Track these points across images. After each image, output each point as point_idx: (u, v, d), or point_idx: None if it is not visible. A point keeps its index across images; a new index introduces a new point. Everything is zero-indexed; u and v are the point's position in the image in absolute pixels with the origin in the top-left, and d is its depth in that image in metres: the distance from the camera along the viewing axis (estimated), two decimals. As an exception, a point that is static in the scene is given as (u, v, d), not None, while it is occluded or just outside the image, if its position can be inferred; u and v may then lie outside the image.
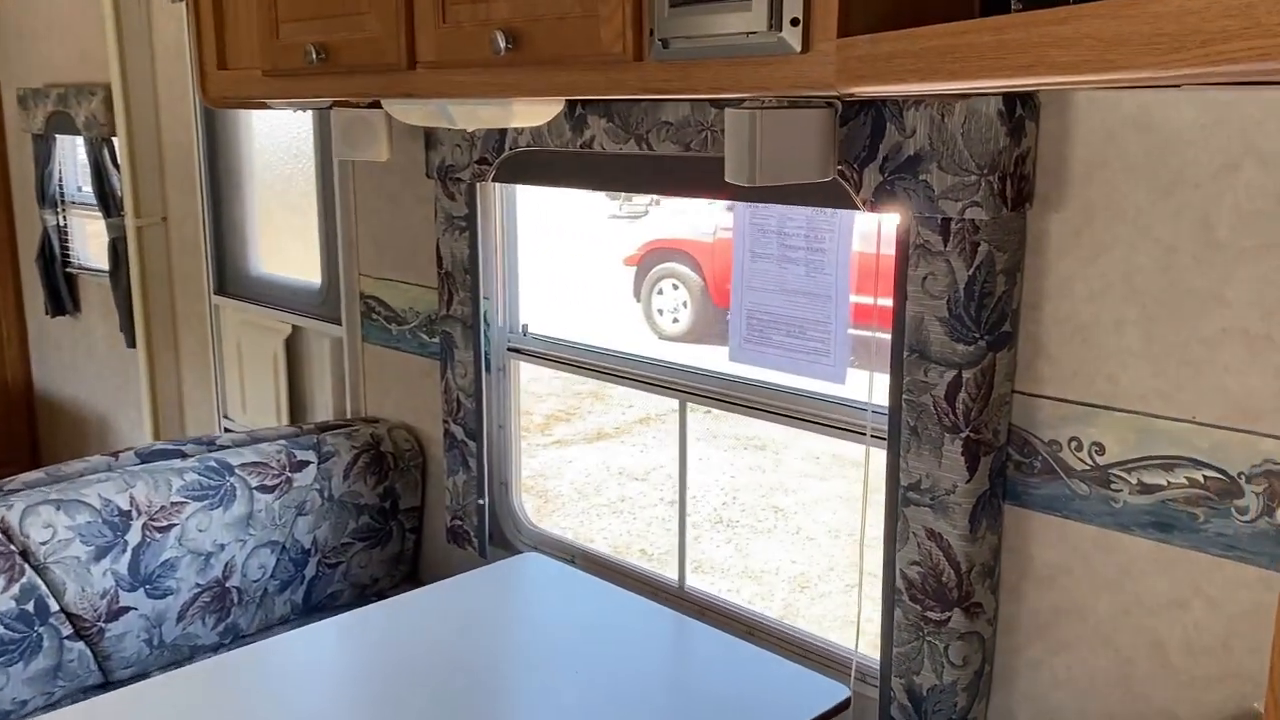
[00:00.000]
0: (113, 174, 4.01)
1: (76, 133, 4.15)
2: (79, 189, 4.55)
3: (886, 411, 1.90)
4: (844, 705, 1.91)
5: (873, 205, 1.81)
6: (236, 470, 2.65)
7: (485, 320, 2.67)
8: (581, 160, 2.30)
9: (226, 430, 3.78)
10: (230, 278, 3.69)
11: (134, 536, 2.46)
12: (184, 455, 2.70)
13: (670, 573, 2.52)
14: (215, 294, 3.71)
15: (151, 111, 3.84)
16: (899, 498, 1.88)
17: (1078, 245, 1.70)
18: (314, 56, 2.15)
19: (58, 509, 2.36)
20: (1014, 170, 1.67)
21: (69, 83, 4.13)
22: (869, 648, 2.09)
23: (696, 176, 2.09)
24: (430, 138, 2.62)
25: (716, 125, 2.00)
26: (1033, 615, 1.85)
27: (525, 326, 2.73)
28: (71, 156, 4.50)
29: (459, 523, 2.80)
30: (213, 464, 2.63)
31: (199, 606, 2.61)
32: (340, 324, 3.19)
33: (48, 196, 4.45)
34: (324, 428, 2.98)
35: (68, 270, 4.57)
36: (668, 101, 2.06)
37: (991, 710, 1.91)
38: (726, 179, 1.74)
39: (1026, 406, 1.79)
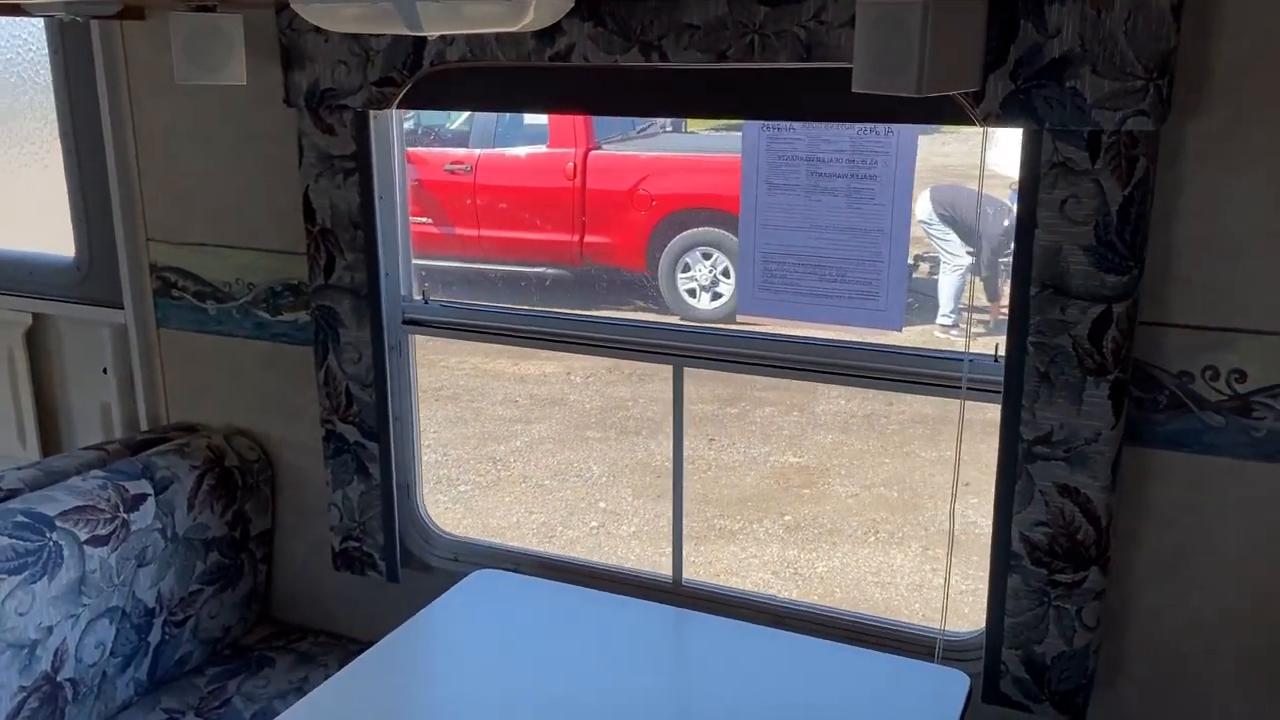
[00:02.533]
0: None
1: None
2: None
3: (996, 359, 1.68)
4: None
5: (998, 119, 1.55)
6: (57, 523, 1.91)
7: (385, 289, 2.10)
8: (553, 77, 1.82)
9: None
10: (-92, 256, 2.70)
11: (-67, 643, 1.69)
12: (-38, 512, 1.90)
13: (651, 566, 2.16)
14: (-116, 280, 2.71)
15: None
16: (1020, 454, 1.66)
17: (1220, 156, 1.55)
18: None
19: None
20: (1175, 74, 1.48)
21: None
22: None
23: (737, 93, 1.71)
24: (293, 53, 1.98)
25: (768, 28, 1.63)
26: (1150, 558, 1.72)
27: (426, 291, 2.20)
28: None
29: (354, 544, 2.24)
30: (22, 519, 1.87)
31: (24, 718, 1.86)
32: (121, 307, 2.42)
33: None
34: (137, 445, 2.25)
35: None
36: None
37: (1097, 664, 1.78)
38: (861, 88, 1.39)
39: (1152, 338, 1.63)
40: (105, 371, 2.48)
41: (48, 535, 1.88)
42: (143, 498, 2.07)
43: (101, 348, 2.48)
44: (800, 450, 6.59)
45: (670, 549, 2.13)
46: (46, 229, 2.52)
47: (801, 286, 1.86)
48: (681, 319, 8.11)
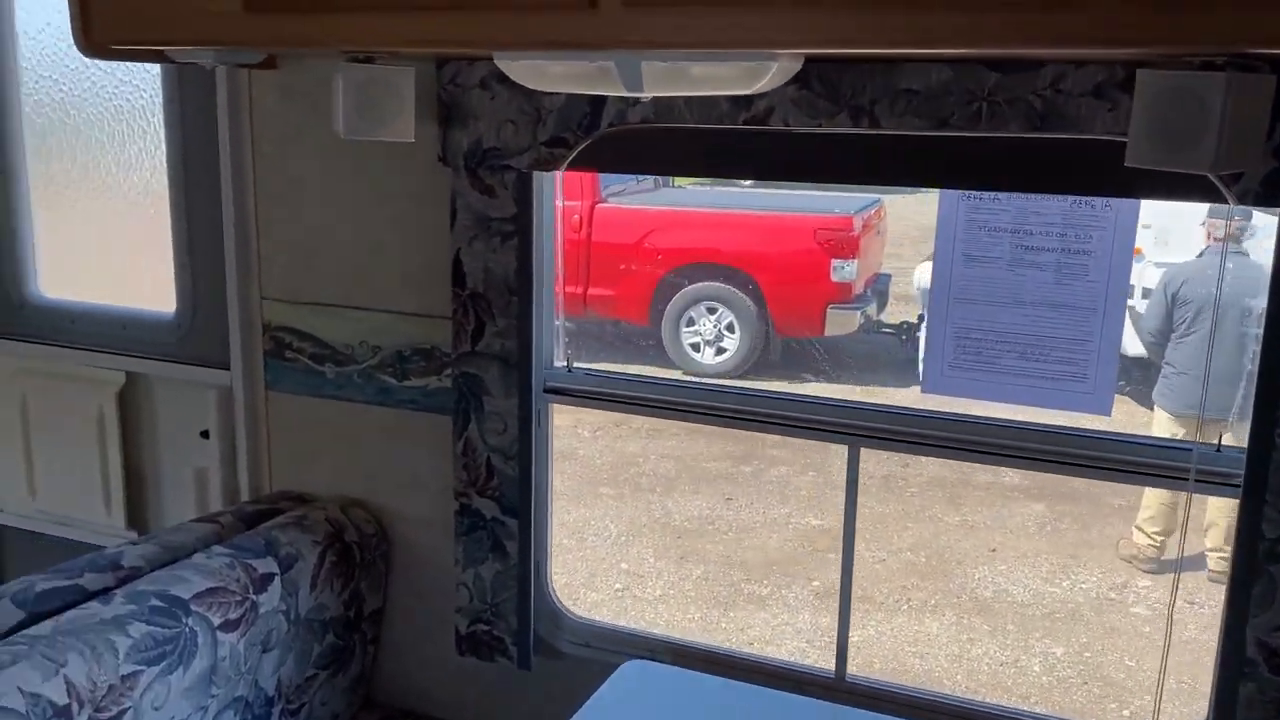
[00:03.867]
0: None
1: None
2: None
3: (1219, 449, 1.58)
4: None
5: (1257, 198, 1.46)
6: (192, 607, 1.76)
7: (537, 357, 1.98)
8: (743, 141, 1.73)
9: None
10: (-12, 308, 2.56)
11: (75, 745, 1.53)
12: (86, 592, 1.75)
13: (812, 659, 2.03)
14: (-39, 332, 2.56)
15: None
16: (1261, 553, 1.56)
17: None
18: (390, -20, 1.39)
19: (-37, 731, 1.39)
20: None
21: None
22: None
23: (952, 161, 1.62)
24: (454, 109, 1.88)
25: (998, 95, 1.54)
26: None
27: (570, 359, 2.08)
28: None
29: (484, 628, 2.09)
30: (157, 603, 1.72)
31: (151, 823, 1.70)
32: (226, 367, 2.28)
33: None
34: (249, 516, 2.10)
35: None
36: (920, 61, 1.57)
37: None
38: (1139, 163, 1.31)
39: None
40: (205, 435, 2.33)
41: (183, 621, 1.73)
42: (270, 577, 1.92)
43: (202, 410, 2.34)
44: (821, 512, 6.48)
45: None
46: (154, 284, 2.39)
47: (998, 365, 1.76)
48: (685, 373, 8.04)
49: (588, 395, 2.07)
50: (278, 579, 1.93)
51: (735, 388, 2.01)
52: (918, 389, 7.51)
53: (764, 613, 5.54)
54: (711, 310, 8.37)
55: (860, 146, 1.67)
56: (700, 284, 8.37)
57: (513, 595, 2.05)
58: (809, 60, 1.62)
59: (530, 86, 1.53)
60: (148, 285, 2.39)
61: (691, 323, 8.42)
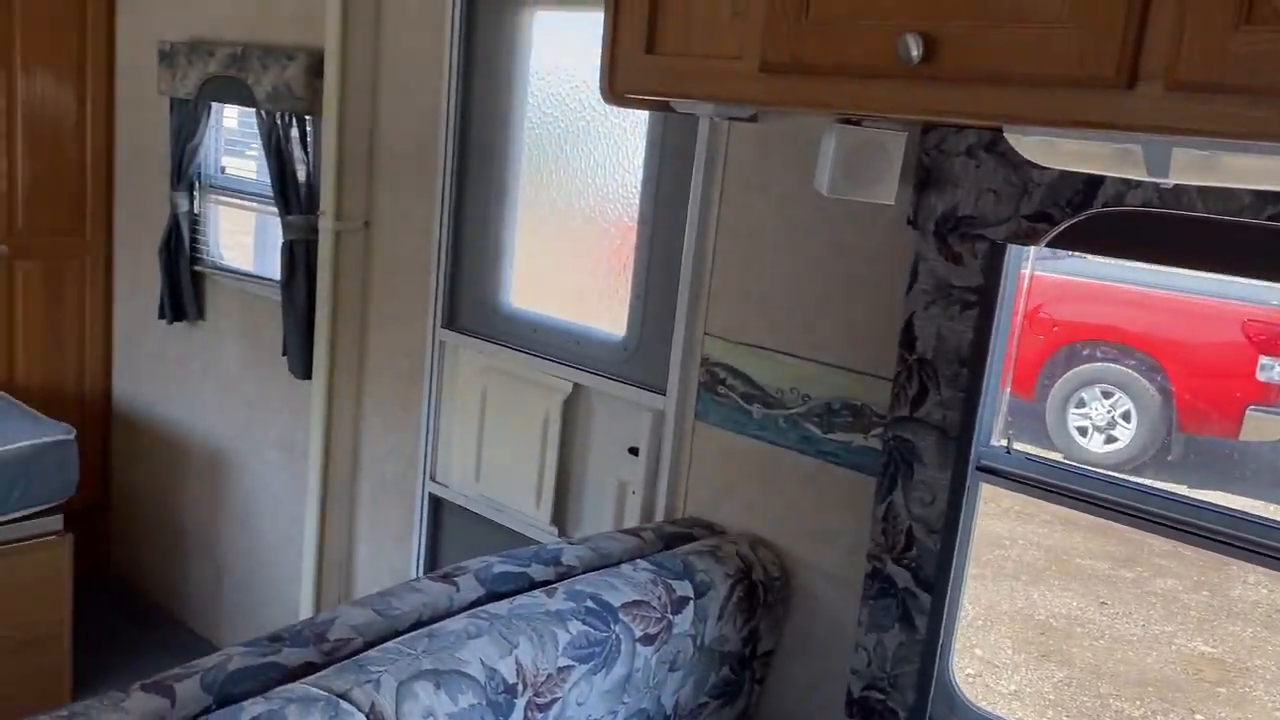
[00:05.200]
0: (299, 161, 3.18)
1: (246, 103, 3.31)
2: (220, 170, 3.70)
3: None
4: None
5: None
6: (620, 615, 1.88)
7: (977, 433, 1.94)
8: (1267, 237, 1.59)
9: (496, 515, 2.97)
10: (466, 310, 2.89)
11: (514, 722, 1.68)
12: (532, 581, 1.92)
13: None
14: (443, 328, 2.91)
15: (369, 89, 3.03)
16: None
17: None
18: (914, 53, 1.40)
19: (437, 687, 1.57)
20: None
21: (247, 41, 3.29)
22: None
23: None
24: (933, 174, 1.88)
25: None
26: None
27: (1010, 439, 2.01)
28: (216, 131, 3.65)
29: (879, 696, 2.06)
30: (592, 606, 1.85)
31: (555, 809, 1.83)
32: (663, 393, 2.43)
33: (184, 176, 3.59)
34: (669, 538, 2.22)
35: (195, 269, 3.71)
36: None
37: None
38: None
39: None
40: (635, 452, 2.49)
41: (611, 626, 1.85)
42: (685, 601, 2.01)
43: (634, 428, 2.50)
44: (1212, 639, 5.79)
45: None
46: (608, 307, 2.59)
47: None
48: (1064, 458, 7.46)
49: (1024, 481, 1.98)
50: (691, 603, 2.02)
51: (1199, 502, 1.84)
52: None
53: (1132, 735, 5.06)
54: (1107, 394, 7.76)
55: None
56: (1098, 364, 7.78)
57: (914, 670, 2.01)
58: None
59: (1038, 162, 1.50)
60: (603, 307, 2.60)
61: (1082, 404, 7.84)
